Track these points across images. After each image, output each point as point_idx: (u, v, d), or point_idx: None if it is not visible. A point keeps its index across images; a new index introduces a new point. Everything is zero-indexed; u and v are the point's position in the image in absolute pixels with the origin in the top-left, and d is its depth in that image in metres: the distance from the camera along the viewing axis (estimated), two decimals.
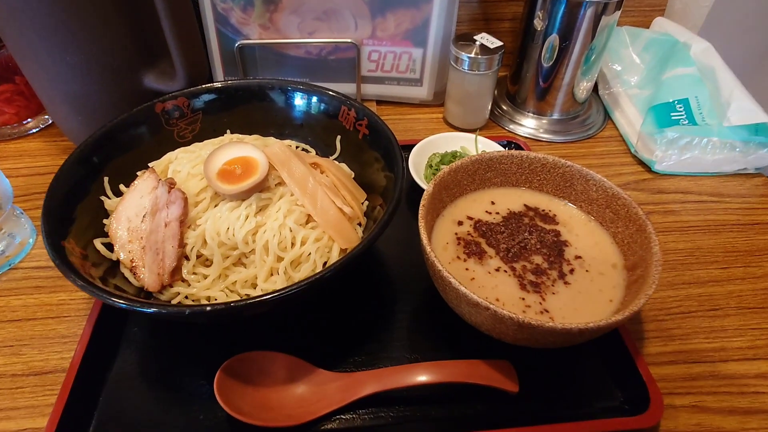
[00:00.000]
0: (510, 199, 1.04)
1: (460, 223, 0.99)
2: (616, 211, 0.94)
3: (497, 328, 0.78)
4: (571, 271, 0.90)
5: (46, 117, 1.47)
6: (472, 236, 0.97)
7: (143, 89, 1.25)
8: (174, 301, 0.91)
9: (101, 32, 1.12)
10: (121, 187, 1.04)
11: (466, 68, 1.31)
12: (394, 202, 0.89)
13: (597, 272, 0.90)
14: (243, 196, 0.93)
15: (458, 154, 1.24)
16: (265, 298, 0.74)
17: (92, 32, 1.11)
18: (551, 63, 1.34)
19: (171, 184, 0.94)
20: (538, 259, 0.92)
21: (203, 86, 1.16)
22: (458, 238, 0.96)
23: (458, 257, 0.93)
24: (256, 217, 0.92)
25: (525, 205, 1.03)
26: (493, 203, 1.03)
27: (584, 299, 0.86)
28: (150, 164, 1.06)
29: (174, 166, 1.02)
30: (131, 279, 0.93)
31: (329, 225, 0.94)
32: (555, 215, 1.00)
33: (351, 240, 0.94)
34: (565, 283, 0.88)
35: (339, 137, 1.15)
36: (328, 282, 0.79)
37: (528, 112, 1.47)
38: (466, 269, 0.91)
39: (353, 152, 1.14)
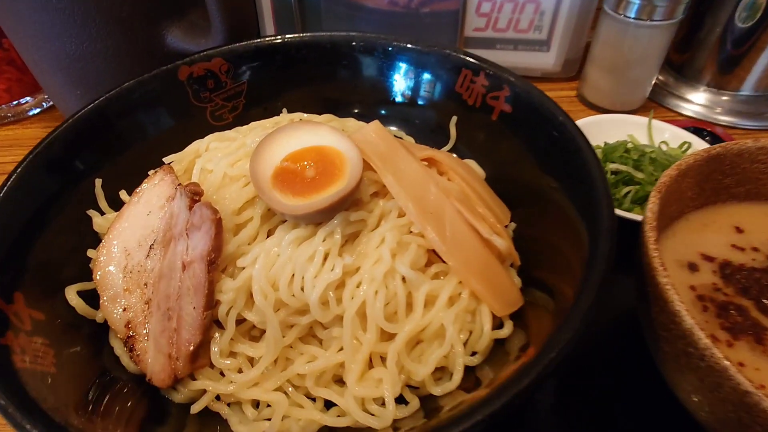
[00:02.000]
0: None
1: (692, 268, 0.53)
2: None
3: None
4: None
5: None
6: (725, 293, 0.51)
7: (166, 51, 0.82)
8: (197, 406, 0.48)
9: None
10: (123, 194, 0.63)
11: (633, 15, 0.83)
12: (606, 243, 0.44)
13: None
14: (319, 218, 0.50)
15: (630, 146, 0.78)
16: None
17: None
18: (752, 21, 0.86)
19: (194, 195, 0.52)
20: None
21: (250, 42, 0.73)
22: (700, 297, 0.51)
23: (713, 336, 0.47)
24: (342, 257, 0.48)
25: None
26: (740, 231, 0.57)
27: None
28: (166, 159, 0.64)
29: (203, 161, 0.59)
30: (125, 360, 0.51)
31: (471, 269, 0.49)
32: None
33: (510, 298, 0.50)
34: None
35: (454, 118, 0.70)
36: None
37: (701, 85, 0.99)
38: (741, 365, 0.45)
39: (481, 142, 0.69)
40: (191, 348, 0.48)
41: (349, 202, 0.51)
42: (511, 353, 0.48)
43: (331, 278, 0.47)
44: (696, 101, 0.98)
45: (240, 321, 0.50)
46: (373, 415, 0.44)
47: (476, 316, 0.49)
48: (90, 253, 0.56)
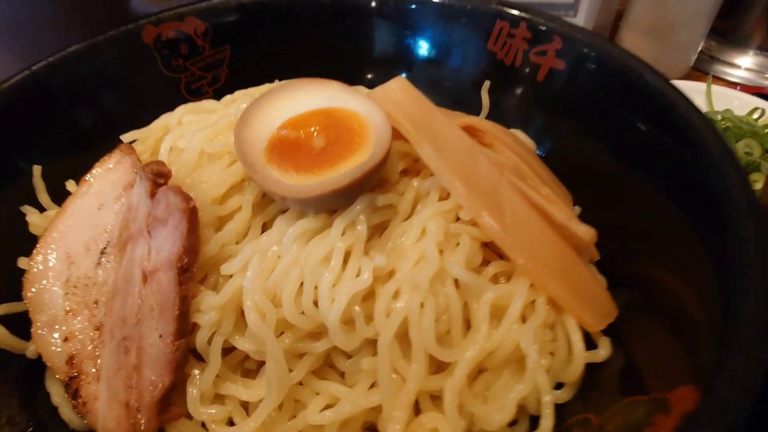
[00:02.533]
0: None
1: None
2: None
3: None
4: None
5: None
6: None
7: (132, 17, 0.67)
8: None
9: None
10: (70, 185, 0.48)
11: None
12: (757, 227, 0.30)
13: None
14: (335, 202, 0.35)
15: None
16: None
17: None
18: None
19: (158, 177, 0.37)
20: None
21: None
22: None
23: None
24: (369, 256, 0.34)
25: None
26: None
27: None
28: (125, 137, 0.49)
29: (173, 138, 0.45)
30: (66, 412, 0.36)
31: (547, 268, 0.35)
32: None
33: (603, 305, 0.36)
34: None
35: (487, 83, 0.57)
36: None
37: (750, 49, 0.87)
38: None
39: (523, 110, 0.56)
40: (158, 394, 0.33)
41: (375, 179, 0.36)
42: (612, 384, 0.34)
43: (357, 287, 0.32)
44: (744, 66, 0.86)
45: (228, 350, 0.36)
46: None
47: (558, 332, 0.35)
48: (21, 262, 0.41)
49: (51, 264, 0.40)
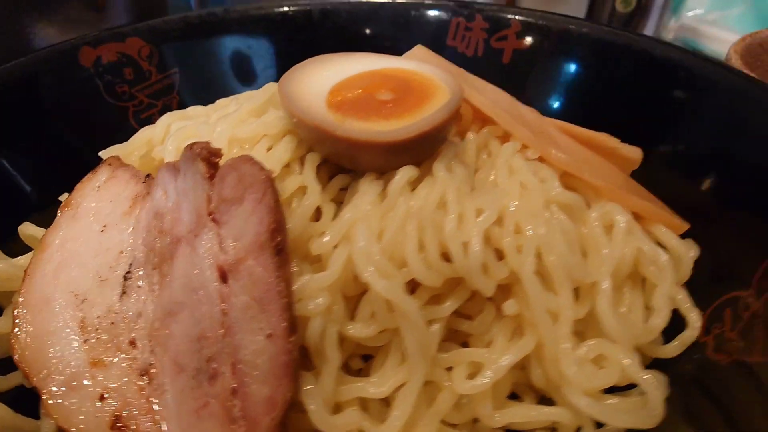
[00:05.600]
0: None
1: None
2: None
3: None
4: None
5: None
6: None
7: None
8: None
9: None
10: (27, 227, 0.36)
11: None
12: None
13: None
14: (428, 146, 0.32)
15: None
16: None
17: None
18: None
19: (211, 156, 0.29)
20: None
21: (175, 17, 0.54)
22: None
23: None
24: (479, 197, 0.31)
25: None
26: None
27: None
28: (103, 153, 0.40)
29: (176, 140, 0.37)
30: None
31: (623, 187, 0.35)
32: None
33: (673, 214, 0.37)
34: None
35: None
36: None
37: None
38: None
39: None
40: (279, 412, 0.24)
41: (454, 123, 0.34)
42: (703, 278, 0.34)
43: (484, 224, 0.28)
44: None
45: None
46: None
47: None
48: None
49: (54, 309, 0.29)
